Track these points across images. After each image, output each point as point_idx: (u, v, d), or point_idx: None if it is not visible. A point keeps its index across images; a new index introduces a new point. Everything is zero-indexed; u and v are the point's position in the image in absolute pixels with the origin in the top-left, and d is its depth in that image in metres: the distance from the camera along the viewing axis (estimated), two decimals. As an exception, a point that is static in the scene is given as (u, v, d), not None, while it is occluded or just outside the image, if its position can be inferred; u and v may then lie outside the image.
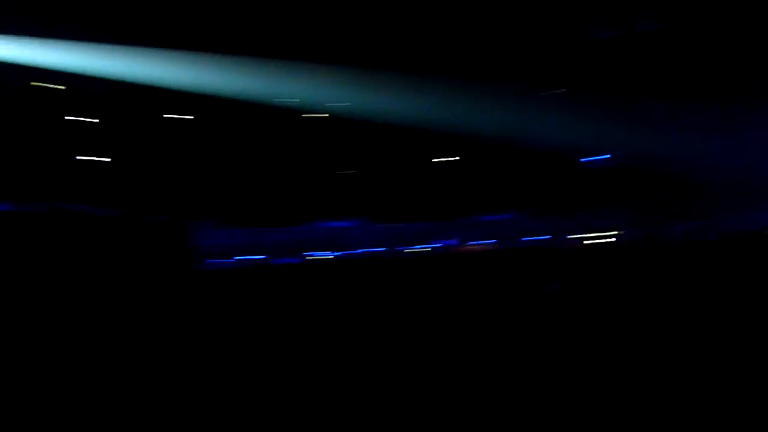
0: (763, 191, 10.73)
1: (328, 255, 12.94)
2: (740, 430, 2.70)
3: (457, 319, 5.24)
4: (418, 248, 13.19)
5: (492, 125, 13.21)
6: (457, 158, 14.61)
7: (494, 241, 13.20)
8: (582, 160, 14.02)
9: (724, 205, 11.14)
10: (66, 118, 12.56)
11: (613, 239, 12.02)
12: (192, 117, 13.60)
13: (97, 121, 12.83)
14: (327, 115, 14.11)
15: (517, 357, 4.11)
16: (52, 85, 12.30)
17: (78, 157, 12.52)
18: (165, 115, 13.41)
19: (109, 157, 12.79)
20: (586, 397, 3.22)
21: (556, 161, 13.51)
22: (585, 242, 12.07)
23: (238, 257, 12.19)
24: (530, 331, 4.69)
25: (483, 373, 3.87)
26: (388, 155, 14.31)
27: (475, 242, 13.20)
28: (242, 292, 7.05)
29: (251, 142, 13.82)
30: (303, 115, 14.07)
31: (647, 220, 11.70)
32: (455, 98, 13.18)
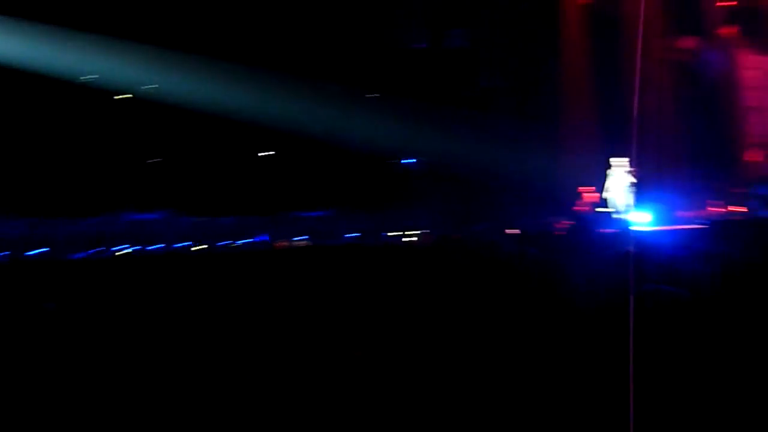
0: (550, 196, 12.23)
1: (129, 249, 12.01)
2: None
3: (262, 317, 5.13)
4: (228, 244, 12.80)
5: (309, 122, 13.36)
6: (272, 153, 14.49)
7: (307, 237, 13.29)
8: (391, 161, 14.78)
9: (517, 208, 12.52)
10: None
11: (416, 238, 12.78)
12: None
13: None
14: (131, 96, 13.13)
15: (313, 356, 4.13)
16: None
17: None
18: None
19: None
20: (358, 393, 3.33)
21: (369, 161, 14.07)
22: (395, 240, 12.70)
23: (27, 251, 10.80)
24: (334, 328, 4.73)
25: (283, 374, 3.85)
26: (198, 144, 13.70)
27: (289, 239, 13.19)
28: (28, 288, 6.25)
29: (46, 121, 12.32)
30: (108, 97, 12.90)
31: (449, 220, 12.68)
32: (274, 92, 13.09)
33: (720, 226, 8.69)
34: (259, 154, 14.41)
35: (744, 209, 10.60)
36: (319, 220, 14.05)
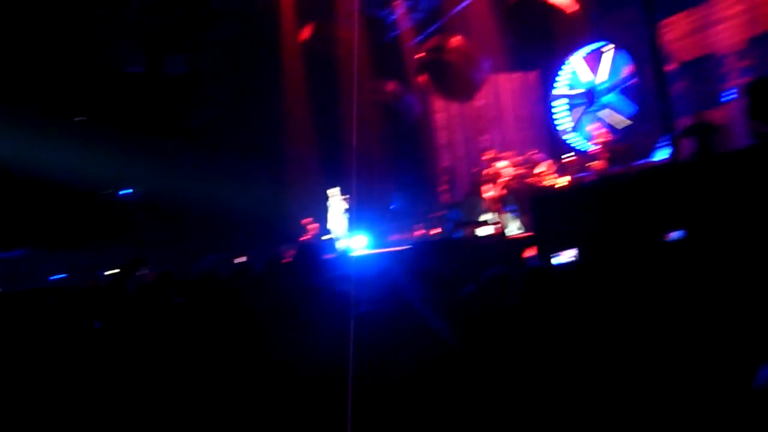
0: (276, 227, 12.43)
1: None
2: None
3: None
4: None
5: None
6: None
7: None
8: (106, 193, 13.58)
9: (243, 240, 12.46)
10: None
11: (145, 273, 11.88)
12: None
13: None
14: None
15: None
16: None
17: None
18: None
19: None
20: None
21: (79, 192, 12.71)
22: (107, 278, 11.60)
23: None
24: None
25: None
26: None
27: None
28: None
29: None
30: None
31: (172, 254, 12.07)
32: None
33: (421, 247, 9.76)
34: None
35: (440, 231, 12.19)
36: (15, 261, 12.18)
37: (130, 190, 13.84)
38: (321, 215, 11.74)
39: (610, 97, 13.16)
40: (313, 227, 12.30)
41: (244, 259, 10.18)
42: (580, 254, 5.37)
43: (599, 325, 2.63)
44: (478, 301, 3.51)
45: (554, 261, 5.53)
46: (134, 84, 13.48)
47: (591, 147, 11.48)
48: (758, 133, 6.79)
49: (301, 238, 11.54)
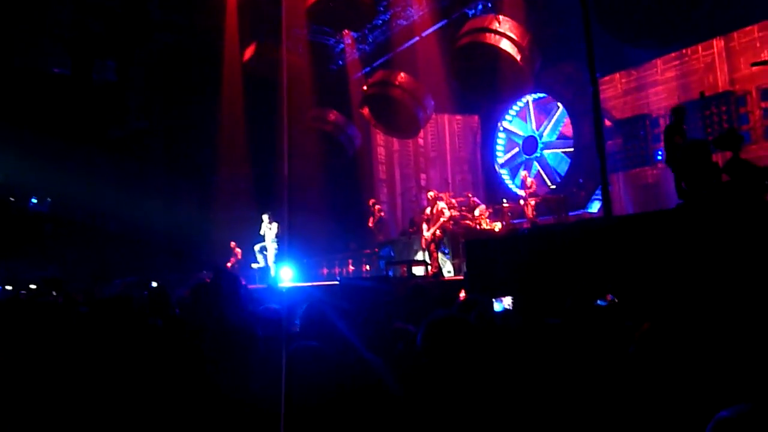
0: (199, 251, 11.73)
1: None
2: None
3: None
4: None
5: None
6: None
7: None
8: (11, 202, 12.50)
9: (163, 261, 11.65)
10: None
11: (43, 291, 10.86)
12: None
13: None
14: None
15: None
16: None
17: None
18: None
19: None
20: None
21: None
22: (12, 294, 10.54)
23: None
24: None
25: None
26: None
27: None
28: None
29: None
30: None
31: (83, 272, 11.14)
32: None
33: (348, 283, 9.37)
34: None
35: (368, 268, 11.87)
36: None
37: (39, 200, 12.79)
38: (249, 243, 11.17)
39: (548, 145, 13.44)
40: (237, 253, 11.71)
41: (155, 284, 9.40)
42: (515, 303, 5.22)
43: (538, 383, 2.47)
44: (424, 343, 3.26)
45: (495, 307, 5.35)
46: (56, 86, 12.54)
47: (526, 195, 11.54)
48: (684, 193, 6.96)
49: (227, 265, 10.94)
